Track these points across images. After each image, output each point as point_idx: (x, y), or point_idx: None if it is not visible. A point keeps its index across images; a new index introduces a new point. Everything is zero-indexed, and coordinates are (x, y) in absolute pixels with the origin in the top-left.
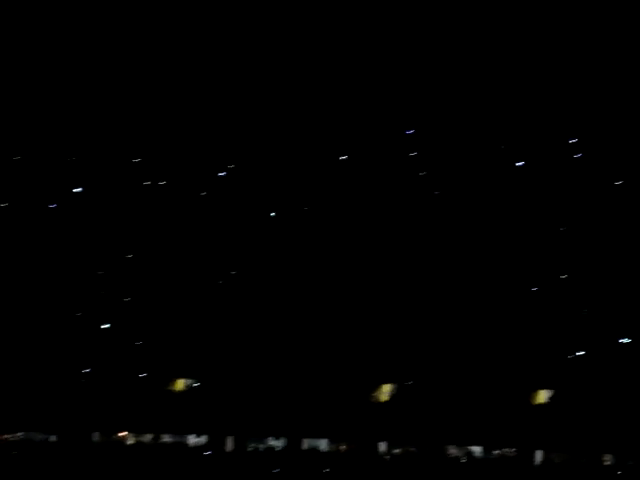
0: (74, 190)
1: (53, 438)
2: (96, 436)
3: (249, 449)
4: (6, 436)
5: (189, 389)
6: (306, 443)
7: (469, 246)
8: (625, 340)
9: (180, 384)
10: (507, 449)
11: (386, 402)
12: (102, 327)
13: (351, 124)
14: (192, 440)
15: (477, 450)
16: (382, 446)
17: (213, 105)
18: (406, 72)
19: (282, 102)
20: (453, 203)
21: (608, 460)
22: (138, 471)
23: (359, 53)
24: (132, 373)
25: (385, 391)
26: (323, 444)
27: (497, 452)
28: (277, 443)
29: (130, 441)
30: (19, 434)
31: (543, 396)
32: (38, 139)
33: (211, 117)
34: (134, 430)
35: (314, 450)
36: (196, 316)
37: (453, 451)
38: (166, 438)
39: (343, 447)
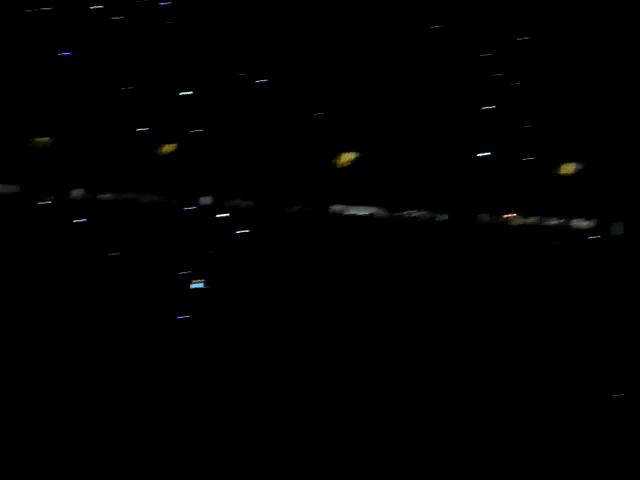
0: None
1: (443, 217)
2: (484, 217)
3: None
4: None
5: (577, 172)
6: None
7: None
8: None
9: (569, 168)
10: None
11: None
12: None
13: None
14: (577, 223)
15: None
16: None
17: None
18: None
19: None
20: None
21: None
22: (522, 253)
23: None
24: (517, 157)
25: None
26: None
27: None
28: None
29: (516, 222)
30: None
31: None
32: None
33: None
34: (521, 212)
35: None
36: None
37: None
38: (553, 221)
39: None
